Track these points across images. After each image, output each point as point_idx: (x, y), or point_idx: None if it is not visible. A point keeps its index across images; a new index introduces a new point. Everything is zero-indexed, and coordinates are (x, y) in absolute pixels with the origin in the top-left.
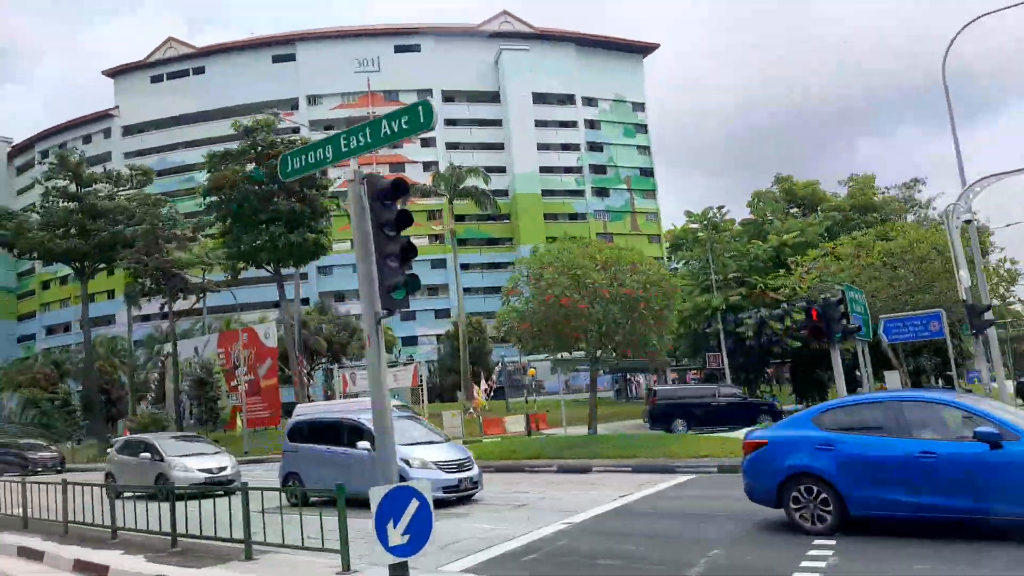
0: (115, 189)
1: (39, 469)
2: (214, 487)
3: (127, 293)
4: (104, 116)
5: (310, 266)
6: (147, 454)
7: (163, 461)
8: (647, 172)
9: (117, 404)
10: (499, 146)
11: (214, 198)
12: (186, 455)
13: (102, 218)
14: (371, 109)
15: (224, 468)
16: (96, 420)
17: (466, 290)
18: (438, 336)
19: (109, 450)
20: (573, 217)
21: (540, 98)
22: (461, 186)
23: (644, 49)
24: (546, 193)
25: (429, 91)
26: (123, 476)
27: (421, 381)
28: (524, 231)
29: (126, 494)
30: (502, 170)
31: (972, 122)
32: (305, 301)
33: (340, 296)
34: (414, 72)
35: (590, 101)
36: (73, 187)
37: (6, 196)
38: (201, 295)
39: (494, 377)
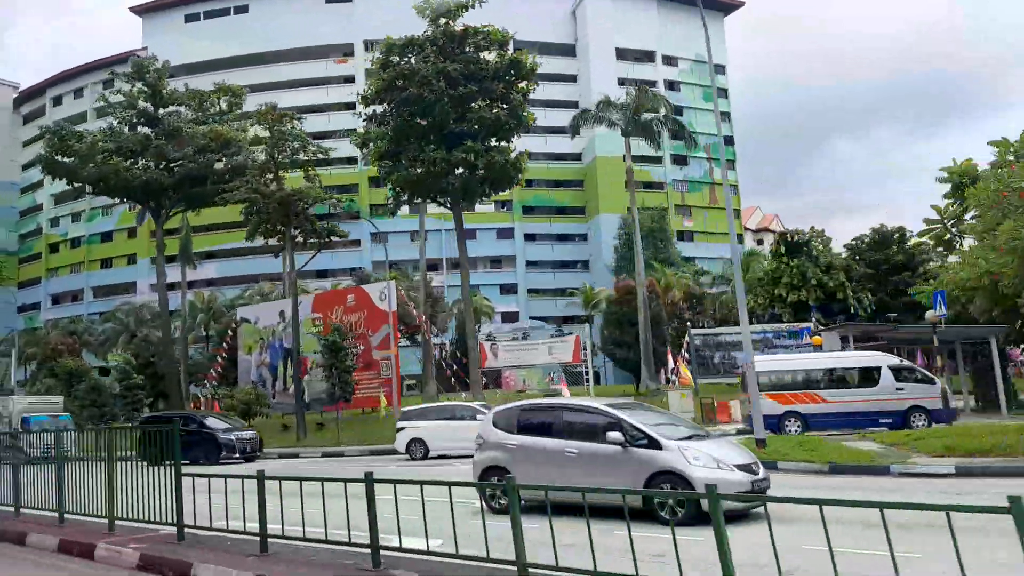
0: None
1: (236, 456)
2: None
3: (182, 251)
4: (129, 57)
5: (363, 232)
6: (616, 434)
7: (662, 449)
8: (727, 140)
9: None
10: (572, 104)
11: (377, 107)
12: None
13: (188, 145)
14: None
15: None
16: (173, 397)
17: (532, 263)
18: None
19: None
20: (649, 186)
21: (620, 54)
22: (643, 116)
23: (727, 7)
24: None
25: None
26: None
27: (584, 356)
28: (603, 199)
29: None
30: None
31: None
32: (355, 270)
33: (394, 265)
34: (483, 19)
35: (670, 60)
36: (147, 107)
37: (9, 150)
38: (326, 239)
39: (684, 353)
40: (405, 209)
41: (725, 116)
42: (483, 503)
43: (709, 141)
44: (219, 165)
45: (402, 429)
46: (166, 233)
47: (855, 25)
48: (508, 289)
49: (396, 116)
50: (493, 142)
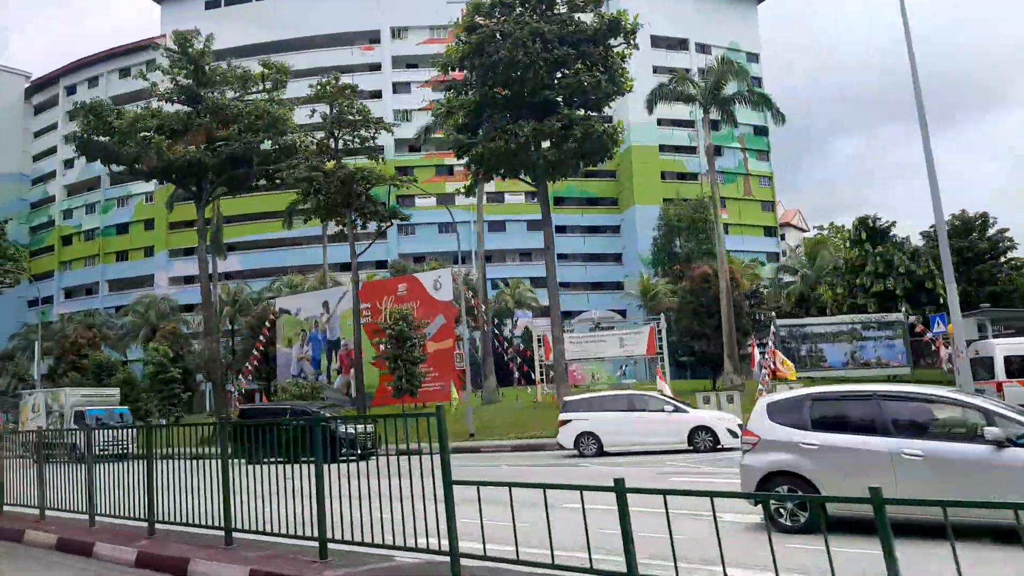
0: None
1: (357, 452)
2: None
3: (212, 241)
4: (147, 46)
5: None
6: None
7: None
8: (761, 130)
9: (191, 375)
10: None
11: (456, 73)
12: None
13: (234, 124)
14: None
15: None
16: (216, 391)
17: (562, 256)
18: None
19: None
20: (682, 176)
21: (654, 42)
22: (724, 91)
23: None
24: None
25: None
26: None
27: (660, 349)
28: (638, 189)
29: None
30: (607, 118)
31: None
32: (382, 264)
33: (421, 258)
34: None
35: (703, 48)
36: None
37: (20, 140)
38: (388, 222)
39: (771, 344)
40: (431, 201)
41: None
42: (768, 519)
43: (742, 131)
44: (263, 147)
45: (567, 422)
46: (185, 225)
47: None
48: (538, 283)
49: (480, 84)
50: (582, 111)
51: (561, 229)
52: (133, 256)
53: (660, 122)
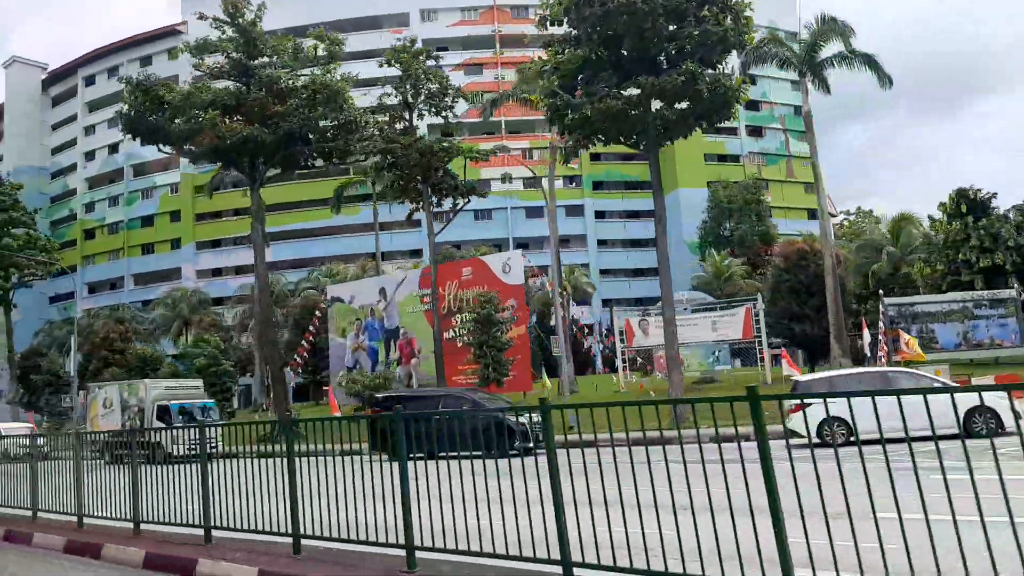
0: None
1: (529, 444)
2: None
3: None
4: (169, 33)
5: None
6: None
7: None
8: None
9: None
10: None
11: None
12: None
13: (291, 98)
14: (496, 27)
15: None
16: (276, 385)
17: (602, 242)
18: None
19: None
20: (723, 159)
21: None
22: (822, 52)
23: None
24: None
25: None
26: None
27: (757, 332)
28: (681, 172)
29: None
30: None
31: None
32: (416, 253)
33: (456, 247)
34: None
35: None
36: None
37: (37, 134)
38: (466, 199)
39: (883, 324)
40: None
41: (798, 85)
42: None
43: (783, 112)
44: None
45: (808, 405)
46: (211, 216)
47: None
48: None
49: (587, 38)
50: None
51: (600, 215)
52: (159, 249)
53: None
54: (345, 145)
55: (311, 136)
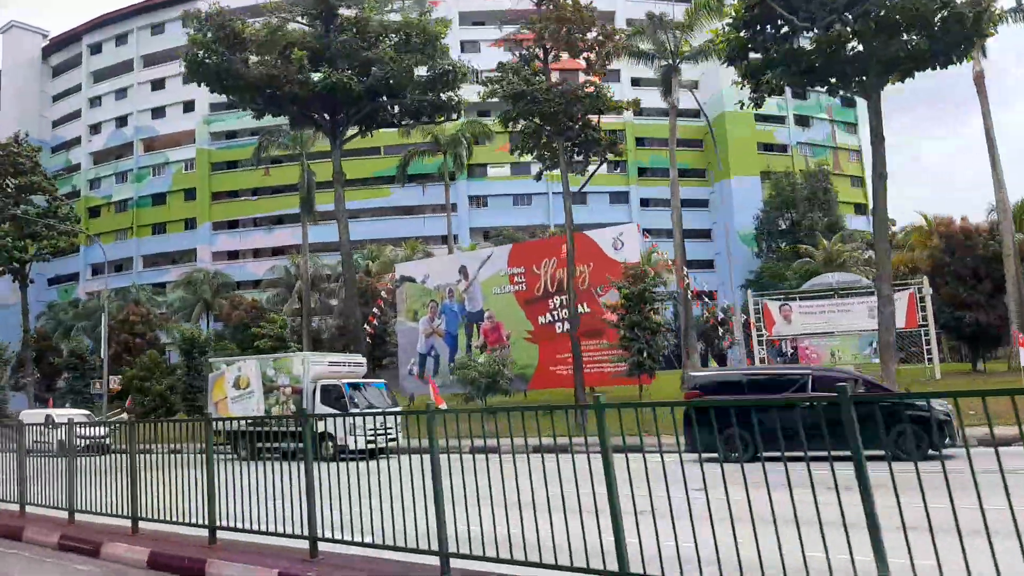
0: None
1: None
2: None
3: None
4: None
5: (458, 194)
6: None
7: None
8: (848, 102)
9: None
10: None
11: None
12: None
13: (383, 41)
14: None
15: None
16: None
17: (647, 232)
18: None
19: None
20: (769, 148)
21: None
22: None
23: None
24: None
25: None
26: None
27: (924, 319)
28: (735, 160)
29: None
30: (692, 84)
31: None
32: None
33: (488, 234)
34: None
35: None
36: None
37: (37, 105)
38: (604, 157)
39: None
40: (504, 170)
41: None
42: None
43: (830, 102)
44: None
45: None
46: (227, 195)
47: None
48: None
49: None
50: None
51: (645, 203)
52: (171, 229)
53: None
54: (437, 99)
55: (399, 88)
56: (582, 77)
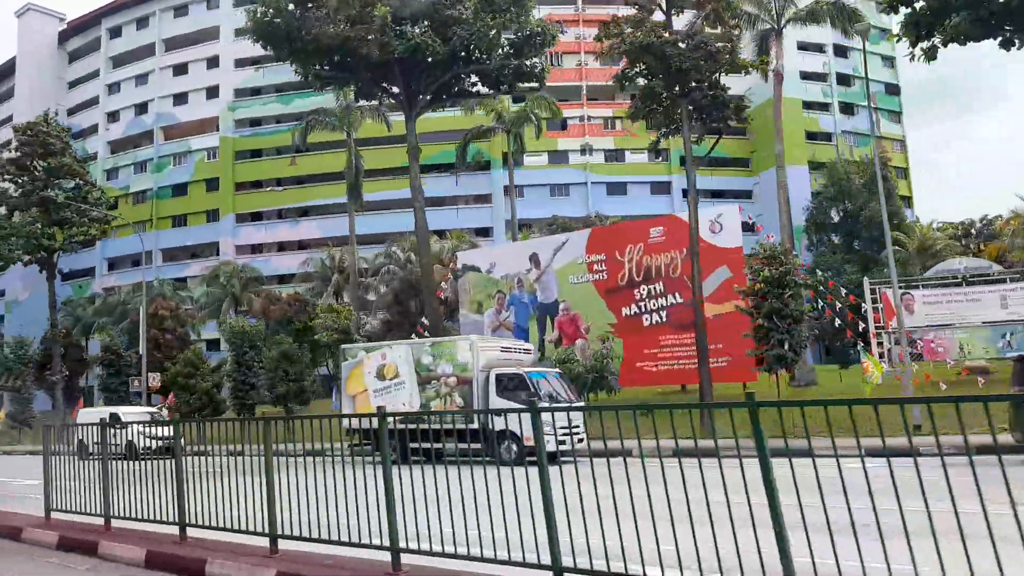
0: None
1: None
2: None
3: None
4: None
5: (493, 184)
6: None
7: None
8: (893, 89)
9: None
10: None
11: None
12: None
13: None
14: None
15: None
16: None
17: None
18: None
19: None
20: (812, 136)
21: None
22: None
23: None
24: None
25: None
26: None
27: None
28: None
29: None
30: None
31: None
32: (483, 232)
33: (528, 224)
34: None
35: None
36: None
37: (53, 92)
38: (725, 123)
39: None
40: (542, 159)
41: (889, 61)
42: None
43: (875, 90)
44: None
45: None
46: (252, 186)
47: None
48: None
49: None
50: None
51: (683, 193)
52: (192, 221)
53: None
54: (521, 65)
55: (482, 52)
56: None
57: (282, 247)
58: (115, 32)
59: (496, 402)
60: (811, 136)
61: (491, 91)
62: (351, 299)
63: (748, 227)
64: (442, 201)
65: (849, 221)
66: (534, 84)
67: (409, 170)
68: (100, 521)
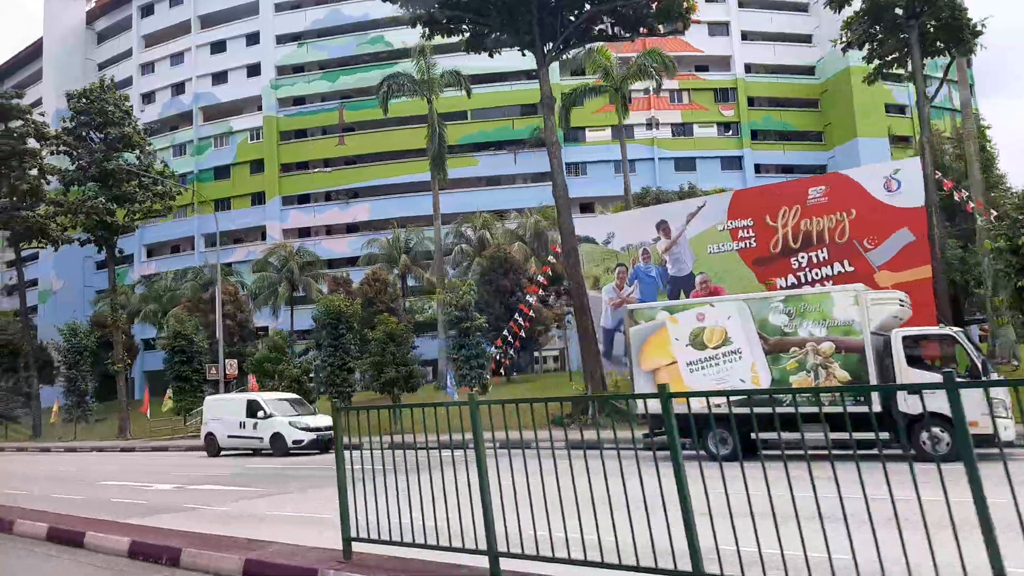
0: None
1: None
2: None
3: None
4: None
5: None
6: None
7: None
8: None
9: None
10: (802, 6)
11: None
12: None
13: None
14: None
15: None
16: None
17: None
18: None
19: None
20: (886, 108)
21: None
22: None
23: None
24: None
25: None
26: None
27: None
28: (861, 121)
29: None
30: (804, 38)
31: None
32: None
33: (589, 205)
34: None
35: None
36: None
37: (81, 74)
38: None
39: None
40: (606, 133)
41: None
42: None
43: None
44: None
45: None
46: (297, 167)
47: None
48: None
49: None
50: None
51: (757, 169)
52: (236, 205)
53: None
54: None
55: None
56: None
57: (330, 230)
58: (147, 10)
59: (910, 376)
60: (885, 108)
61: (628, 34)
62: (436, 279)
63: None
64: (498, 180)
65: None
66: (676, 26)
67: (544, 123)
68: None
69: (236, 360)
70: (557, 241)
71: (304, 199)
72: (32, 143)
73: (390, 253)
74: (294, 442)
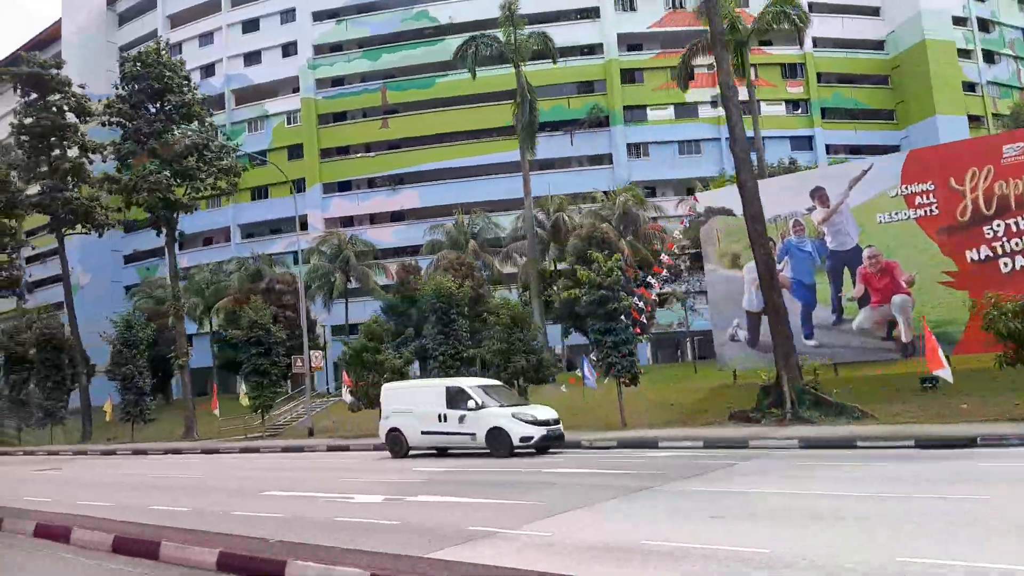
0: None
1: None
2: None
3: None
4: None
5: (615, 143)
6: None
7: None
8: None
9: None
10: None
11: None
12: None
13: None
14: None
15: None
16: (781, 331)
17: None
18: None
19: None
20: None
21: None
22: None
23: None
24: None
25: None
26: None
27: None
28: (939, 98)
29: None
30: (872, 11)
31: None
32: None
33: (652, 188)
34: None
35: None
36: None
37: (104, 57)
38: None
39: None
40: (668, 112)
41: None
42: None
43: (1013, 37)
44: None
45: None
46: (338, 152)
47: None
48: None
49: None
50: None
51: (829, 148)
52: (275, 193)
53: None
54: None
55: None
56: None
57: (373, 219)
58: None
59: None
60: None
61: None
62: (528, 264)
63: None
64: (552, 164)
65: None
66: None
67: (717, 64)
68: None
69: (320, 352)
70: (647, 222)
71: (344, 186)
72: (71, 118)
73: (457, 239)
74: (521, 439)
